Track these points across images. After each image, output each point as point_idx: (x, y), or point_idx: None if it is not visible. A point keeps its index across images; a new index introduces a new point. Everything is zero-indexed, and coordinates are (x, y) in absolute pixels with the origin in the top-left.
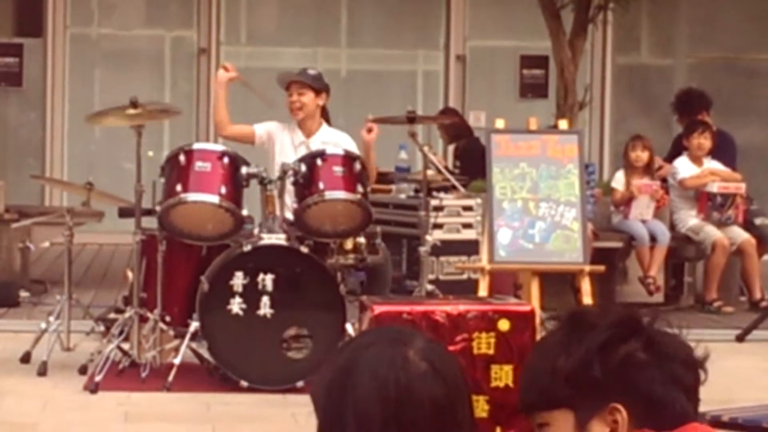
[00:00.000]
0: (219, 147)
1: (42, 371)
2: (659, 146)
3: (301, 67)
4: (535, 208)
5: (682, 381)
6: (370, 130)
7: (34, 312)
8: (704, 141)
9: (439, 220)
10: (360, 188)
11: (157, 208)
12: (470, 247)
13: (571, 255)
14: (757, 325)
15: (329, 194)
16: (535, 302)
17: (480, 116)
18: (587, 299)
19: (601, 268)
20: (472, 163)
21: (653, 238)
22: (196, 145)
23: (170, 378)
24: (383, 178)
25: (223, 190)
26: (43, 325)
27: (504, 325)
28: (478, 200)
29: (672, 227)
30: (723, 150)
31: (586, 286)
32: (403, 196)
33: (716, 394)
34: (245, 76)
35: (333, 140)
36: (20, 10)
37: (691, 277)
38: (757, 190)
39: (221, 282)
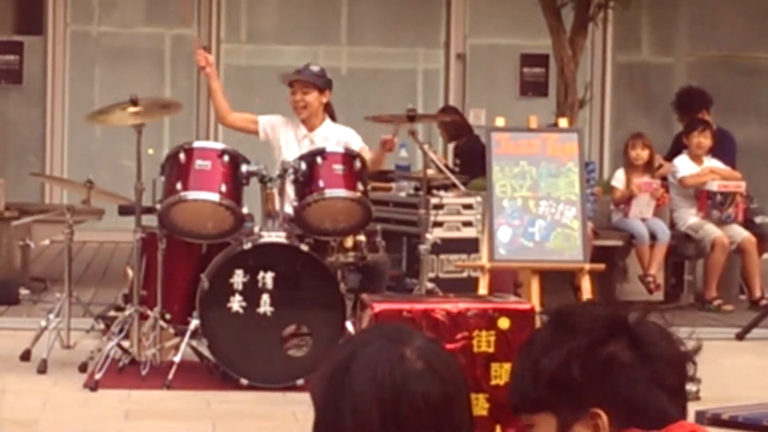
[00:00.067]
0: (219, 145)
1: (42, 369)
2: (659, 144)
3: (300, 65)
4: (535, 207)
5: (665, 382)
6: (390, 149)
7: (34, 310)
8: (704, 139)
9: (439, 219)
10: (360, 186)
11: (158, 206)
12: (470, 246)
13: (571, 253)
14: (757, 324)
15: (329, 192)
16: (535, 300)
17: (480, 114)
18: (587, 298)
19: (601, 266)
20: (472, 162)
21: (653, 237)
22: (196, 144)
23: (170, 376)
24: (383, 176)
25: (223, 188)
26: (43, 323)
27: (504, 323)
28: (478, 198)
29: (672, 226)
30: (723, 148)
31: (586, 284)
32: (403, 194)
33: (716, 393)
34: (246, 75)
35: (337, 135)
36: (21, 7)
37: (691, 275)
38: (757, 188)
39: (221, 280)
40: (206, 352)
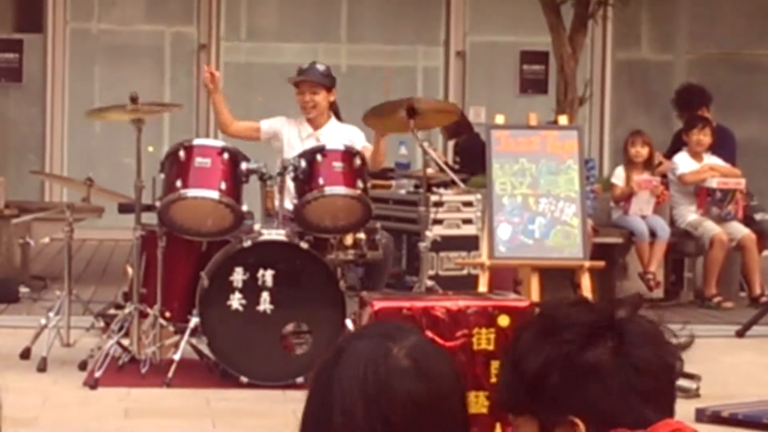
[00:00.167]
0: (219, 143)
1: (42, 367)
2: (659, 142)
3: (300, 63)
4: (535, 204)
5: (645, 388)
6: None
7: (33, 308)
8: (704, 137)
9: (439, 216)
10: (360, 184)
11: (157, 204)
12: (470, 243)
13: (570, 251)
14: (757, 321)
15: (329, 190)
16: (535, 298)
17: (480, 112)
18: (587, 295)
19: (601, 263)
20: (472, 159)
21: (653, 234)
22: (196, 141)
23: (170, 374)
24: (383, 173)
25: (223, 185)
26: (43, 321)
27: (504, 320)
28: (478, 196)
29: (672, 223)
30: (723, 145)
31: (585, 281)
32: (403, 191)
33: (716, 390)
34: (246, 73)
35: (342, 134)
36: (20, 5)
37: (691, 272)
38: (757, 185)
39: (221, 278)
40: (206, 350)
